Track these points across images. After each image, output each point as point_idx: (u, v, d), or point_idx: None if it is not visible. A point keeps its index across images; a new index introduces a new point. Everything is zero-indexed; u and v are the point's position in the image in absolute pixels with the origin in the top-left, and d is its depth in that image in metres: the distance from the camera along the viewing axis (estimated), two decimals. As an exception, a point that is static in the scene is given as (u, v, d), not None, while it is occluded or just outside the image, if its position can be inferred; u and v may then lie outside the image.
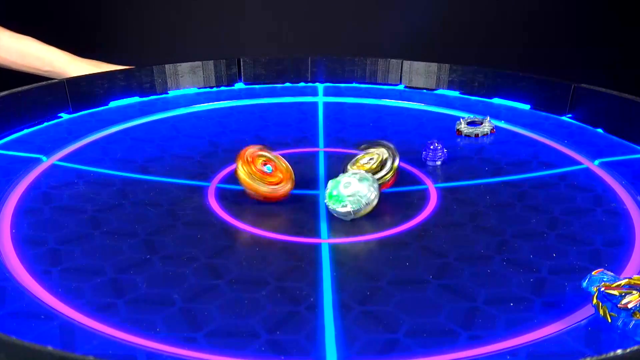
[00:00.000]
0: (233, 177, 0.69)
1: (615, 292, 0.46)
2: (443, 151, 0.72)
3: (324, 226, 0.59)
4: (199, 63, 0.96)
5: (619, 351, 0.38)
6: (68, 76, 1.03)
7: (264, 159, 0.63)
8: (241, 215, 0.61)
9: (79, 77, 0.89)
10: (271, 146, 0.76)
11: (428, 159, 0.72)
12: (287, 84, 0.98)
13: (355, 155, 0.66)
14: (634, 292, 0.45)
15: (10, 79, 0.97)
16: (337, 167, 0.67)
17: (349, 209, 0.58)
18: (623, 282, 0.46)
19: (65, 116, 0.85)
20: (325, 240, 0.57)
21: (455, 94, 0.95)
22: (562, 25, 1.42)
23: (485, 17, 1.42)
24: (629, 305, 0.45)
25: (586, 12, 1.40)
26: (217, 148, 0.76)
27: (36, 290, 0.49)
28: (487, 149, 0.78)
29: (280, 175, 0.63)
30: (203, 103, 0.91)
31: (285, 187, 0.62)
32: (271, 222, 0.60)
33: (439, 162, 0.72)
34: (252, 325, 0.46)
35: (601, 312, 0.46)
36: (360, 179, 0.59)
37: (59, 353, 0.36)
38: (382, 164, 0.64)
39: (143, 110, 0.88)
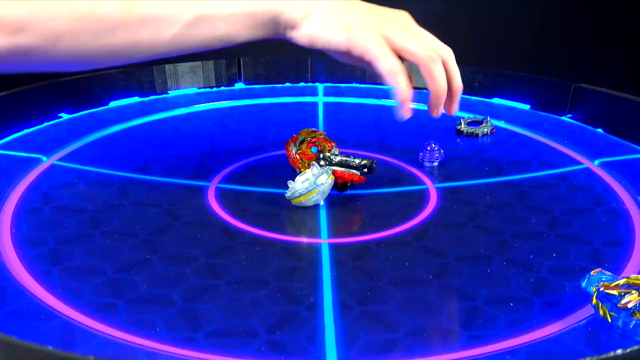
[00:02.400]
0: (233, 177, 0.69)
1: (615, 292, 0.46)
2: (440, 152, 0.72)
3: (324, 226, 0.59)
4: (199, 63, 0.96)
5: (619, 351, 0.38)
6: None
7: (309, 144, 0.67)
8: (241, 215, 0.61)
9: (79, 77, 0.89)
10: (271, 146, 0.77)
11: (425, 160, 0.72)
12: (287, 84, 0.98)
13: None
14: (633, 291, 0.45)
15: (11, 79, 0.97)
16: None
17: (311, 193, 0.61)
18: (621, 281, 0.46)
19: (65, 116, 0.85)
20: (325, 240, 0.57)
21: (455, 94, 0.95)
22: (562, 25, 1.42)
23: (485, 17, 1.42)
24: (629, 305, 0.45)
25: (586, 12, 1.40)
26: (217, 148, 0.76)
27: (36, 290, 0.49)
28: (487, 149, 0.78)
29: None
30: (203, 103, 0.91)
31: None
32: (271, 222, 0.60)
33: (435, 163, 0.72)
34: (252, 325, 0.46)
35: (601, 312, 0.46)
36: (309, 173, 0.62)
37: (59, 353, 0.36)
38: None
39: (143, 110, 0.88)
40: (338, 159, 0.64)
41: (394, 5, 0.60)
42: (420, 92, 0.96)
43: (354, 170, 0.63)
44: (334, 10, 0.57)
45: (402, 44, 0.57)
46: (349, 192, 0.65)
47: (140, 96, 0.92)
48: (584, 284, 0.49)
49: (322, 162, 0.64)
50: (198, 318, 0.47)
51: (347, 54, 0.57)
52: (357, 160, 0.64)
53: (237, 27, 0.58)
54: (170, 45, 0.57)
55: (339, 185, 0.64)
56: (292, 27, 0.58)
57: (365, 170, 0.64)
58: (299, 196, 0.60)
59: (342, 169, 0.63)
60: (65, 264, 0.53)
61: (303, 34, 0.57)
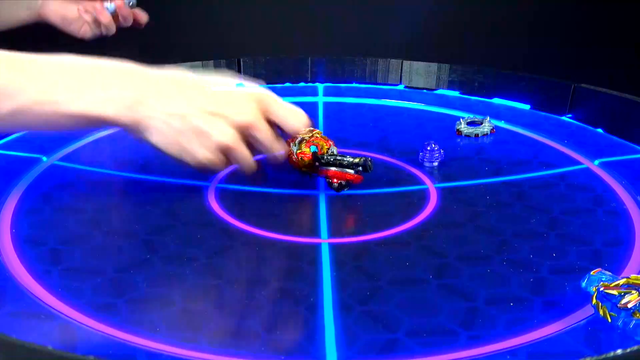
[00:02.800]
0: (233, 177, 0.69)
1: (615, 292, 0.46)
2: (440, 152, 0.72)
3: (324, 226, 0.59)
4: (199, 63, 0.96)
5: (619, 351, 0.38)
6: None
7: (307, 143, 0.66)
8: (241, 215, 0.61)
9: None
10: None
11: (425, 160, 0.72)
12: (287, 84, 0.98)
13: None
14: (633, 291, 0.45)
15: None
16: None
17: None
18: (621, 281, 0.46)
19: (65, 116, 0.85)
20: (325, 240, 0.57)
21: (455, 94, 0.95)
22: (562, 25, 1.42)
23: (485, 17, 1.42)
24: (629, 305, 0.45)
25: (586, 12, 1.40)
26: (217, 148, 0.76)
27: (36, 290, 0.49)
28: (487, 149, 0.78)
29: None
30: (203, 103, 0.91)
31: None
32: (271, 222, 0.60)
33: (435, 163, 0.72)
34: (252, 325, 0.46)
35: (601, 312, 0.46)
36: None
37: (59, 353, 0.36)
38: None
39: (143, 110, 0.88)
40: (332, 158, 0.64)
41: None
42: (420, 92, 0.97)
43: (348, 170, 0.63)
44: (167, 121, 0.60)
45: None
46: (348, 192, 0.65)
47: (140, 96, 0.92)
48: (584, 284, 0.49)
49: (317, 164, 0.64)
50: (198, 318, 0.47)
51: None
52: (349, 159, 0.64)
53: (61, 124, 0.59)
54: None
55: (335, 185, 0.64)
56: (127, 130, 0.61)
57: (360, 168, 0.64)
58: None
59: (337, 168, 0.63)
60: (65, 264, 0.53)
61: (148, 141, 0.61)
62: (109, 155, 0.74)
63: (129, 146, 0.77)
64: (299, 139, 0.67)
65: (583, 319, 0.47)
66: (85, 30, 1.14)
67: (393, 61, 0.98)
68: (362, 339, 0.45)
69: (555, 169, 0.72)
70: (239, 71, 0.98)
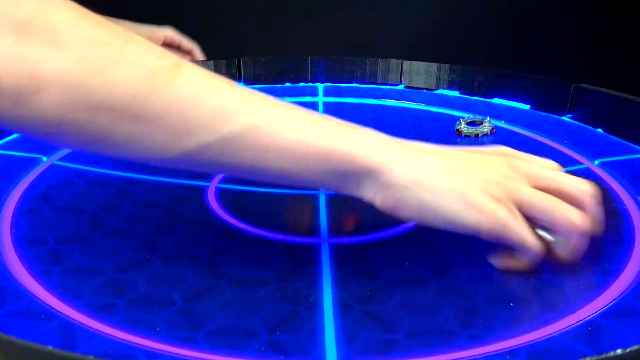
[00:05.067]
0: (233, 177, 0.69)
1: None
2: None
3: (324, 226, 0.59)
4: (198, 63, 0.96)
5: (619, 351, 0.38)
6: None
7: None
8: (241, 215, 0.61)
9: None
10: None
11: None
12: (287, 84, 0.98)
13: None
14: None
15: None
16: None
17: None
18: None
19: (65, 116, 0.85)
20: (325, 240, 0.57)
21: (455, 94, 0.95)
22: (562, 25, 1.42)
23: (485, 17, 1.42)
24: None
25: (587, 12, 1.40)
26: (217, 148, 0.76)
27: (36, 290, 0.49)
28: (487, 149, 0.78)
29: None
30: (203, 103, 0.91)
31: None
32: (271, 222, 0.60)
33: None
34: (252, 325, 0.46)
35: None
36: None
37: (59, 353, 0.36)
38: None
39: (143, 110, 0.88)
40: None
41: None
42: (420, 92, 0.96)
43: None
44: (443, 173, 0.44)
45: (538, 207, 0.47)
46: (349, 192, 0.65)
47: (140, 96, 0.92)
48: None
49: None
50: (198, 318, 0.47)
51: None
52: None
53: (284, 165, 0.44)
54: (188, 160, 0.44)
55: None
56: (381, 187, 0.45)
57: None
58: None
59: None
60: (65, 264, 0.53)
61: (406, 206, 0.44)
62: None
63: (129, 146, 0.77)
64: None
65: (583, 319, 0.47)
66: None
67: (393, 61, 0.98)
68: (362, 339, 0.45)
69: (555, 169, 0.72)
70: (239, 71, 0.98)
